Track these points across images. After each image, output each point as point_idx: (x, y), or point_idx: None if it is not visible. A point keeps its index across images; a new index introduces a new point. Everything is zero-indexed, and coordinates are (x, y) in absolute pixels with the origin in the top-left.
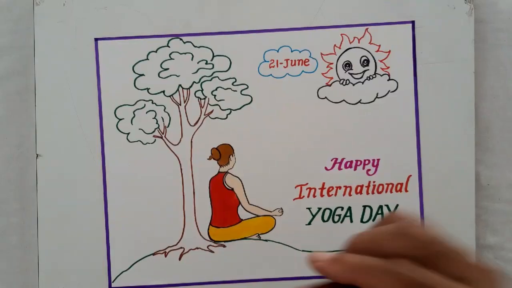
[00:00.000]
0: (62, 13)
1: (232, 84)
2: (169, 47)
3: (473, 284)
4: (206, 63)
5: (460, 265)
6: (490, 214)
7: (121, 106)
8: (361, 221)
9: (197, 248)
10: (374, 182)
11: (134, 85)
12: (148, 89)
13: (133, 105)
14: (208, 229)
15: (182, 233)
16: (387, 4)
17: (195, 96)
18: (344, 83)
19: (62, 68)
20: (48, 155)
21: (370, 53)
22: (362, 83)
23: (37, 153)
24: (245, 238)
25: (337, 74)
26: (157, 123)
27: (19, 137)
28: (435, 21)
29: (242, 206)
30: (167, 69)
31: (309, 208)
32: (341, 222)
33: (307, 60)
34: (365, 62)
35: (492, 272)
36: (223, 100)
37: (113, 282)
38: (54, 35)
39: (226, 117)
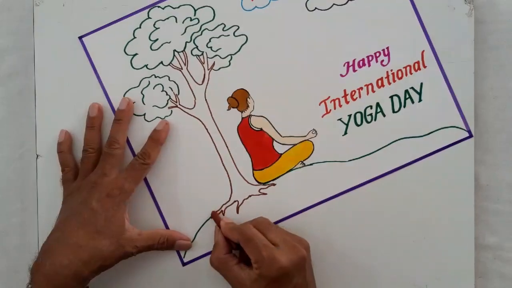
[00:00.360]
0: (62, 14)
1: (223, 30)
2: (150, 18)
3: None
4: (191, 20)
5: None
6: (490, 214)
7: (127, 91)
8: (393, 111)
9: (250, 196)
10: (391, 70)
11: (132, 66)
12: (146, 65)
13: (138, 86)
14: (253, 174)
15: (231, 188)
16: None
17: (192, 55)
18: None
19: (62, 68)
20: (48, 155)
21: None
22: None
23: (37, 153)
24: (290, 170)
25: None
26: (167, 94)
27: (19, 138)
28: (435, 21)
29: (276, 141)
30: (157, 39)
31: (340, 119)
32: (375, 120)
33: None
34: None
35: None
36: (220, 48)
37: (184, 257)
38: (54, 35)
39: (229, 64)
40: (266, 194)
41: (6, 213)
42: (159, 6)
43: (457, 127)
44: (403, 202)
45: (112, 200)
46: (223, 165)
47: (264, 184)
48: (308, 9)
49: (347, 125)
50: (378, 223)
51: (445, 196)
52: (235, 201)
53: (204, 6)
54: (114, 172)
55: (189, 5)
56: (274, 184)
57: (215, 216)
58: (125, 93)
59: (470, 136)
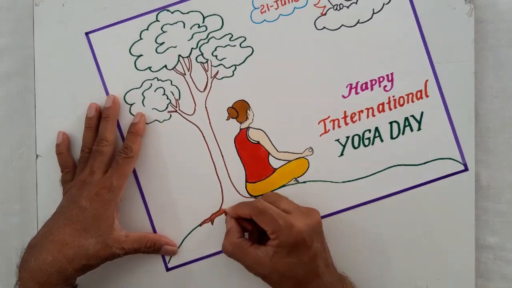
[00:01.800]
0: (62, 13)
1: (230, 40)
2: (158, 21)
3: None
4: (199, 27)
5: (286, 203)
6: (490, 215)
7: (128, 91)
8: (391, 137)
9: None
10: (393, 96)
11: (135, 67)
12: (149, 67)
13: (140, 87)
14: (246, 186)
15: (222, 197)
16: None
17: (197, 61)
18: (338, 8)
19: (62, 68)
20: (47, 155)
21: None
22: (356, 2)
23: (37, 153)
24: (283, 186)
25: (329, 1)
26: (168, 98)
27: (19, 138)
28: (435, 21)
29: (272, 155)
30: (163, 43)
31: (337, 140)
32: (372, 144)
33: None
34: None
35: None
36: (225, 58)
37: (169, 262)
38: (54, 35)
39: (233, 74)
40: None
41: (6, 214)
42: (168, 10)
43: (453, 159)
44: (397, 224)
45: (101, 198)
46: (217, 174)
47: (256, 197)
48: (316, 28)
49: (344, 146)
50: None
51: (446, 196)
52: (224, 212)
53: (213, 15)
54: (102, 170)
55: (199, 12)
56: None
57: (222, 211)
58: (126, 93)
59: (466, 169)
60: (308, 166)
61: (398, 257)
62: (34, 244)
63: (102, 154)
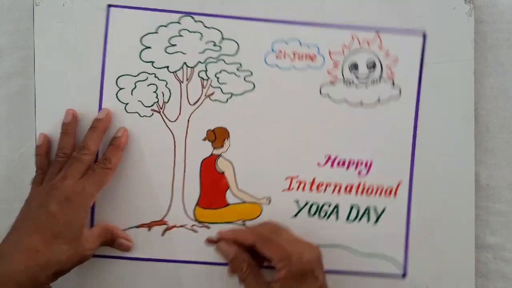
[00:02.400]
0: (62, 13)
1: (237, 69)
2: (179, 23)
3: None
4: (214, 45)
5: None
6: (490, 214)
7: (123, 75)
8: (347, 219)
9: (181, 226)
10: (364, 183)
11: (140, 57)
12: (152, 62)
13: (135, 76)
14: (194, 209)
15: (168, 210)
16: (393, 8)
17: (199, 76)
18: (348, 84)
19: (62, 68)
20: None
21: (378, 57)
22: (366, 86)
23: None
24: (229, 223)
25: (343, 74)
26: (157, 97)
27: (19, 138)
28: (435, 21)
29: (230, 190)
30: (175, 45)
31: (296, 201)
32: (327, 218)
33: (314, 56)
34: (372, 65)
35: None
36: (226, 83)
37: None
38: (54, 35)
39: (227, 101)
40: (196, 232)
41: (6, 213)
42: (192, 17)
43: (396, 262)
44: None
45: (71, 204)
46: (172, 186)
47: (199, 222)
48: (320, 92)
49: (300, 209)
50: None
51: (445, 196)
52: (165, 224)
53: (232, 40)
54: (76, 178)
55: (220, 31)
56: (208, 227)
57: (210, 240)
58: (120, 76)
59: (404, 275)
60: (260, 214)
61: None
62: (1, 253)
63: (80, 162)
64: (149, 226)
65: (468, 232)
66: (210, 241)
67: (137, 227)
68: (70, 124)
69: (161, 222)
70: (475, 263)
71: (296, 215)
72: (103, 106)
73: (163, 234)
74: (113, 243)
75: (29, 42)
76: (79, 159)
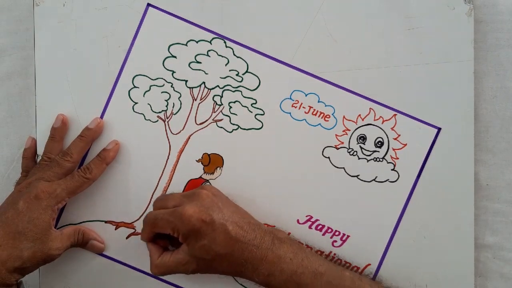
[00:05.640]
0: (62, 14)
1: (251, 104)
2: (210, 44)
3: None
4: (237, 75)
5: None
6: (489, 214)
7: (141, 75)
8: None
9: None
10: (334, 254)
11: (163, 63)
12: (173, 72)
13: (153, 79)
14: None
15: (140, 216)
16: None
17: (213, 99)
18: (351, 153)
19: (62, 68)
20: None
21: (388, 138)
22: (367, 161)
23: (37, 153)
24: None
25: (349, 142)
26: (166, 106)
27: (19, 138)
28: (435, 21)
29: None
30: (200, 62)
31: None
32: None
33: (328, 116)
34: (379, 144)
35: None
36: (236, 115)
37: (57, 227)
38: (54, 35)
39: (231, 131)
40: None
41: None
42: (224, 41)
43: None
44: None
45: (39, 202)
46: (152, 196)
47: None
48: (322, 154)
49: None
50: None
51: (445, 196)
52: (133, 228)
53: (255, 75)
54: (52, 180)
55: (246, 63)
56: None
57: (131, 226)
58: (137, 75)
59: None
60: None
61: (397, 256)
62: None
63: (60, 167)
64: (117, 225)
65: (468, 232)
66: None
67: (105, 222)
68: (59, 129)
69: (130, 225)
70: (474, 263)
71: None
72: (112, 100)
73: (127, 237)
74: (85, 245)
75: (29, 42)
76: (59, 163)
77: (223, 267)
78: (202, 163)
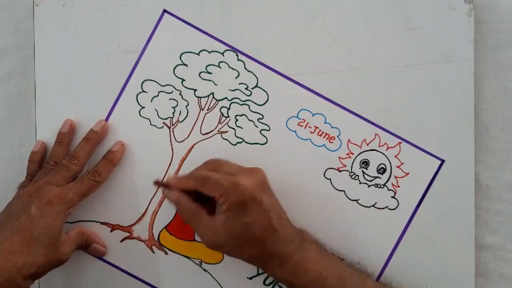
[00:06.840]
0: (62, 14)
1: (258, 119)
2: (222, 55)
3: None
4: (246, 88)
5: (228, 167)
6: (490, 214)
7: (150, 80)
8: None
9: (141, 241)
10: None
11: (173, 70)
12: (183, 80)
13: (162, 85)
14: (161, 231)
15: (137, 221)
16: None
17: (220, 110)
18: (353, 177)
19: (62, 68)
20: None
21: (391, 165)
22: (368, 186)
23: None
24: (187, 257)
25: (352, 166)
26: (173, 113)
27: (19, 138)
28: (435, 21)
29: None
30: (210, 73)
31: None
32: None
33: (333, 138)
34: (382, 170)
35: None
36: (242, 128)
37: None
38: (54, 35)
39: (235, 144)
40: (153, 253)
41: None
42: (236, 54)
43: None
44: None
45: (52, 207)
46: (149, 203)
47: (160, 244)
48: (324, 176)
49: (259, 274)
50: None
51: (445, 196)
52: (128, 232)
53: (264, 90)
54: (61, 183)
55: (256, 78)
56: (166, 253)
57: (158, 183)
58: (146, 80)
59: None
60: (220, 261)
61: (397, 256)
62: None
63: (68, 170)
64: (113, 227)
65: (468, 232)
66: (157, 183)
67: (101, 223)
68: (66, 134)
69: (126, 229)
70: (475, 263)
71: (252, 278)
72: (119, 102)
73: (122, 240)
74: (87, 248)
75: (29, 42)
76: (67, 167)
77: (252, 253)
78: None
